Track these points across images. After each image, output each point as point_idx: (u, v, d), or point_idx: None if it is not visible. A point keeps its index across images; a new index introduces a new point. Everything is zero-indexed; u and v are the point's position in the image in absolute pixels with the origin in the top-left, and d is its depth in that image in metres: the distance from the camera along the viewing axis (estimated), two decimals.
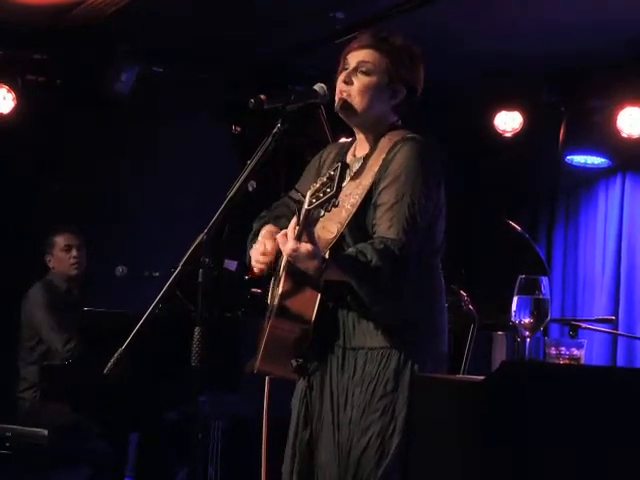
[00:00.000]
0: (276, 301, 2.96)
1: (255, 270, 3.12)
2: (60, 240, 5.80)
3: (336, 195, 2.81)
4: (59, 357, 5.41)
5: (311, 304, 2.92)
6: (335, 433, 2.99)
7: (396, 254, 2.86)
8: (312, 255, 2.83)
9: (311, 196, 2.84)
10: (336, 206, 2.90)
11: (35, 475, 5.18)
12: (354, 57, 3.08)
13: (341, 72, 3.09)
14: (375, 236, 2.93)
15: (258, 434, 3.21)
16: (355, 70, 3.05)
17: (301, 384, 3.11)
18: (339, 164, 2.83)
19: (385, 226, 2.91)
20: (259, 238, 3.15)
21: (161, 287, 2.83)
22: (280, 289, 2.96)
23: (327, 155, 3.24)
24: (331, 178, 2.80)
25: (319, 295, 2.93)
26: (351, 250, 2.88)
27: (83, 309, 5.20)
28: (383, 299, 2.90)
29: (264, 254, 3.09)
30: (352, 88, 3.04)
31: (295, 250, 2.82)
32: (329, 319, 2.98)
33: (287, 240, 2.85)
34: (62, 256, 5.77)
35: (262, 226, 3.21)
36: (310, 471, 3.06)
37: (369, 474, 2.90)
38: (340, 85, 3.06)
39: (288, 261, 2.97)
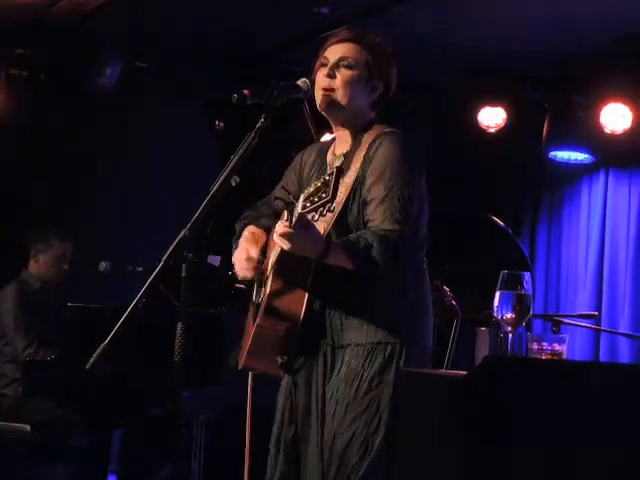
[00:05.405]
0: (264, 300, 2.96)
1: (240, 276, 3.13)
2: (59, 246, 5.72)
3: (332, 200, 2.78)
4: (19, 360, 5.37)
5: (299, 303, 2.93)
6: (320, 429, 2.99)
7: (395, 241, 2.87)
8: (314, 240, 2.81)
9: (304, 200, 2.82)
10: (331, 211, 2.83)
11: (18, 471, 5.17)
12: (334, 52, 3.07)
13: (319, 68, 3.08)
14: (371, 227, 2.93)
15: (242, 429, 3.21)
16: (337, 65, 3.04)
17: (286, 381, 3.11)
18: (334, 169, 2.81)
19: (379, 220, 2.92)
20: (240, 242, 3.16)
21: (144, 282, 2.83)
22: (268, 288, 2.96)
23: (308, 156, 3.24)
24: (326, 183, 2.79)
25: (307, 294, 2.94)
26: (352, 235, 2.89)
27: (66, 304, 5.17)
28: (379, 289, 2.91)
29: (248, 259, 3.10)
30: (335, 82, 3.04)
31: (294, 237, 2.78)
32: (317, 317, 2.99)
33: (284, 237, 2.79)
34: (53, 262, 5.71)
35: (244, 227, 3.21)
36: (295, 468, 3.05)
37: (352, 468, 2.90)
38: (323, 80, 3.05)
39: (276, 261, 2.97)
